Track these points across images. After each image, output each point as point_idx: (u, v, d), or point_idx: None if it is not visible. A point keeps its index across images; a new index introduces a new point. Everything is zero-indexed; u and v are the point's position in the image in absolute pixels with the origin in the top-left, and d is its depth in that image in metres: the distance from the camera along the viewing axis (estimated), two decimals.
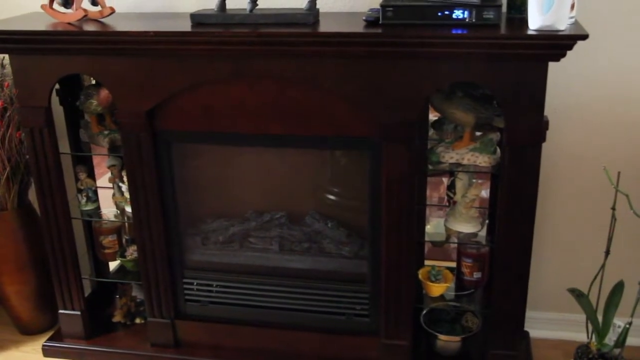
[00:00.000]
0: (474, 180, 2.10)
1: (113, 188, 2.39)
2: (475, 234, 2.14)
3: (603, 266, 1.98)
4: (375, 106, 1.87)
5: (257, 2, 1.97)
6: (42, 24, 2.04)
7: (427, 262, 2.32)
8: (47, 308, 2.50)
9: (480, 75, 1.80)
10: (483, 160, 1.98)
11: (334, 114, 1.92)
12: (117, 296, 2.55)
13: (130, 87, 2.00)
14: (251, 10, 1.94)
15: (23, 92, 2.08)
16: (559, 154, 2.16)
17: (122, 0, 2.22)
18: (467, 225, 2.10)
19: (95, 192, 2.42)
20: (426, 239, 2.27)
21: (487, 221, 2.22)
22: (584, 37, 1.63)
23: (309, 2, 1.92)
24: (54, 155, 2.16)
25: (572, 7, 1.75)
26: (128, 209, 2.31)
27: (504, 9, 1.93)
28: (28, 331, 2.54)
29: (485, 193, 2.26)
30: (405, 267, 2.04)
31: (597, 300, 2.01)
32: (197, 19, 1.94)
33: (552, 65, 1.74)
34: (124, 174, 2.28)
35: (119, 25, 2.01)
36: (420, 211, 2.18)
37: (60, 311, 2.39)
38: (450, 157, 2.01)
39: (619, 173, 1.89)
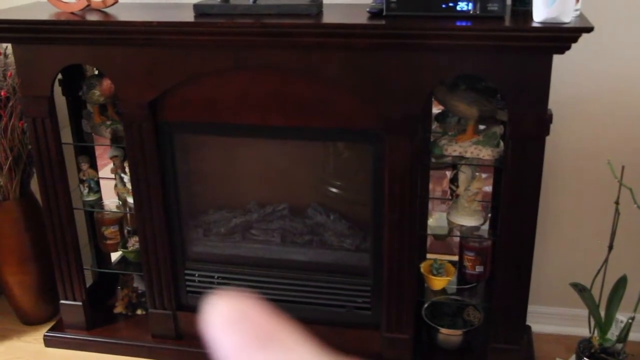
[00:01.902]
0: (477, 174, 2.09)
1: (115, 179, 2.39)
2: (477, 228, 2.14)
3: (606, 261, 1.97)
4: (378, 98, 1.86)
5: None
6: (45, 14, 2.03)
7: (429, 256, 2.32)
8: (48, 298, 2.50)
9: (484, 67, 1.79)
10: (486, 154, 1.97)
11: (337, 106, 1.92)
12: (119, 287, 2.56)
13: (132, 77, 1.99)
14: (254, 1, 1.93)
15: (26, 82, 2.08)
16: (562, 147, 2.15)
17: None
18: (470, 218, 2.10)
19: (98, 183, 2.42)
20: (428, 232, 2.27)
21: (489, 214, 2.21)
22: (589, 29, 1.61)
23: None
24: (56, 146, 2.15)
25: None
26: (130, 199, 2.31)
27: (509, 1, 1.91)
28: (30, 321, 2.54)
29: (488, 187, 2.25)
30: (407, 260, 2.03)
31: (600, 295, 2.01)
32: (200, 9, 1.93)
33: (556, 58, 1.73)
34: (126, 164, 2.28)
35: (121, 15, 2.00)
36: (423, 204, 2.17)
37: (62, 301, 2.39)
38: (453, 150, 2.01)
39: (623, 167, 1.88)
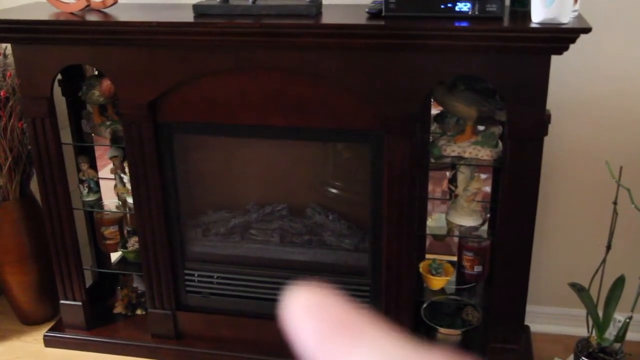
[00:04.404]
0: (476, 174, 2.10)
1: (115, 179, 2.39)
2: (476, 228, 2.14)
3: (604, 261, 1.98)
4: (377, 99, 1.87)
5: None
6: (44, 14, 2.04)
7: (428, 256, 2.32)
8: (48, 298, 2.51)
9: (482, 68, 1.79)
10: (485, 154, 1.98)
11: (336, 106, 1.92)
12: (118, 287, 2.56)
13: (132, 77, 2.00)
14: (254, 2, 1.93)
15: (25, 82, 2.09)
16: (561, 148, 2.16)
17: None
18: (469, 218, 2.10)
19: (97, 183, 2.43)
20: (427, 232, 2.27)
21: (488, 215, 2.22)
22: (587, 30, 1.62)
23: None
24: (56, 146, 2.16)
25: (576, 0, 1.75)
26: (130, 200, 2.31)
27: (507, 2, 1.92)
28: (29, 321, 2.54)
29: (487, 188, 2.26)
30: (406, 260, 2.04)
31: (598, 295, 2.01)
32: (200, 9, 1.94)
33: (555, 58, 1.73)
34: (125, 165, 2.29)
35: (121, 15, 2.00)
36: (422, 204, 2.18)
37: (62, 301, 2.39)
38: (452, 150, 2.01)
39: (621, 167, 1.89)
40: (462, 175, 2.08)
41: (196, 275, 2.29)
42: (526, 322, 2.22)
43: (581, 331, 2.12)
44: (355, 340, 0.28)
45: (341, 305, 0.30)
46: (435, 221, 2.29)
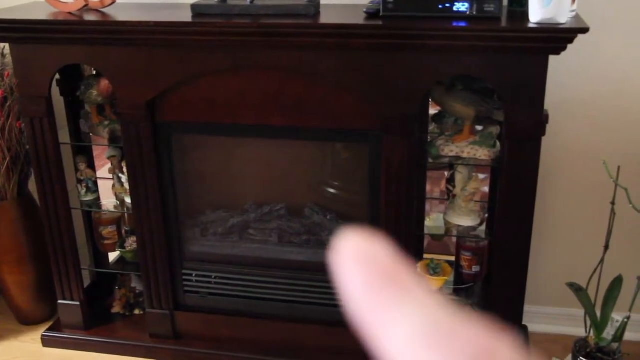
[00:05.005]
0: (474, 174, 2.10)
1: (113, 179, 2.39)
2: (474, 228, 2.14)
3: (602, 261, 1.98)
4: (375, 99, 1.87)
5: None
6: (42, 14, 2.04)
7: (426, 256, 2.32)
8: (46, 298, 2.50)
9: (480, 68, 1.80)
10: (483, 154, 1.98)
11: (335, 106, 1.92)
12: (117, 287, 2.56)
13: (130, 77, 2.00)
14: (252, 1, 1.93)
15: (23, 82, 2.08)
16: (559, 148, 2.16)
17: None
18: (467, 218, 2.10)
19: (95, 183, 2.42)
20: (425, 232, 2.27)
21: (486, 215, 2.22)
22: (585, 30, 1.62)
23: None
24: (54, 146, 2.16)
25: (574, 0, 1.75)
26: (128, 200, 2.31)
27: (505, 2, 1.92)
28: (27, 321, 2.54)
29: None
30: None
31: (596, 295, 2.02)
32: (198, 9, 1.94)
33: (552, 58, 1.73)
34: (123, 164, 2.28)
35: (119, 15, 2.00)
36: (420, 204, 2.18)
37: (60, 301, 2.39)
38: (450, 150, 2.01)
39: (618, 167, 1.89)
40: (460, 175, 2.08)
41: (194, 275, 2.29)
42: (524, 322, 2.22)
43: (579, 331, 2.12)
44: (403, 295, 0.27)
45: (392, 257, 0.29)
46: (433, 221, 2.29)
